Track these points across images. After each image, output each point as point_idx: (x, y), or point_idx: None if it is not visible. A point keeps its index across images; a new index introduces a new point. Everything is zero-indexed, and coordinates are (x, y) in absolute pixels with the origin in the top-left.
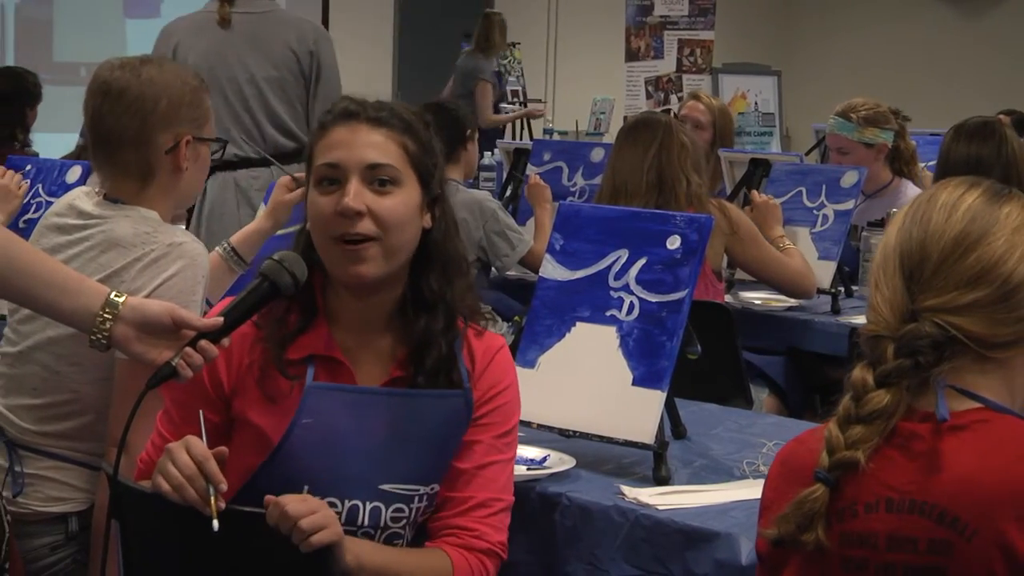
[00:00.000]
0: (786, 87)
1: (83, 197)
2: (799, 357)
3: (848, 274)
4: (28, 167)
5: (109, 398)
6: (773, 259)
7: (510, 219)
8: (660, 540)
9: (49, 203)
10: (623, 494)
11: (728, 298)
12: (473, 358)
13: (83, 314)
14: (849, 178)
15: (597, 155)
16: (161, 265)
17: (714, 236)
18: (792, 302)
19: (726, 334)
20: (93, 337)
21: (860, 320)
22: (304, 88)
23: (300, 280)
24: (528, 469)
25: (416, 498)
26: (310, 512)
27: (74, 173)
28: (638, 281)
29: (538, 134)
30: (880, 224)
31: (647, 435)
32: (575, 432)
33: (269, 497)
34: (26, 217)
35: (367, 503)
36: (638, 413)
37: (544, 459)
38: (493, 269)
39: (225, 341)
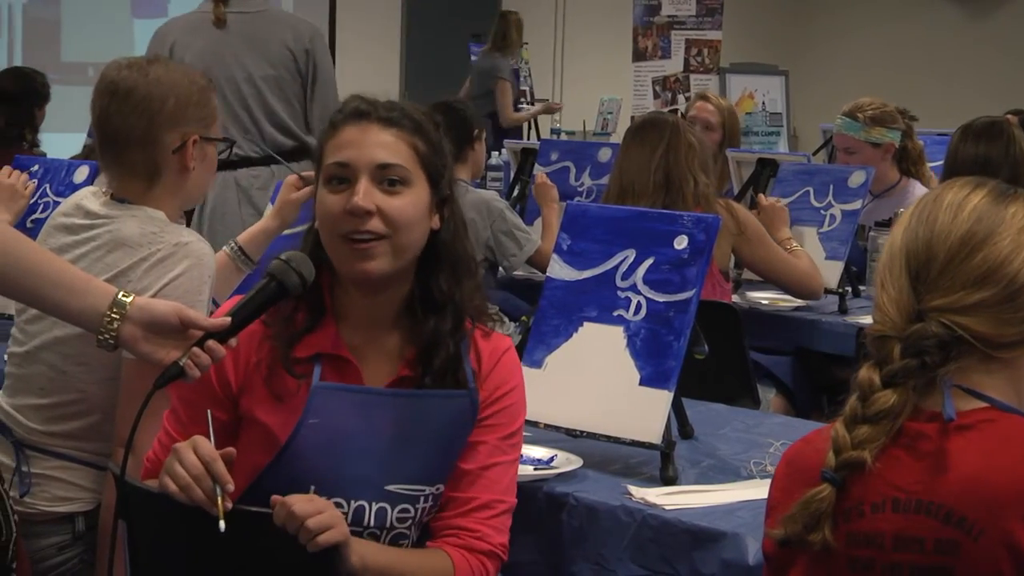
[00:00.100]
0: (793, 87)
1: (90, 197)
2: (806, 357)
3: (855, 274)
4: (35, 167)
5: (116, 398)
6: (780, 259)
7: (517, 219)
8: (667, 540)
9: (56, 203)
10: (630, 494)
11: (735, 298)
12: (480, 359)
13: (90, 314)
14: (856, 178)
15: (604, 155)
16: (167, 265)
17: (721, 236)
18: (799, 302)
19: (733, 334)
20: (100, 337)
21: (867, 320)
22: (301, 86)
23: (308, 280)
24: (535, 469)
25: (422, 498)
26: (317, 512)
27: (81, 173)
28: (645, 281)
29: (545, 134)
30: (887, 224)
31: (654, 435)
32: (582, 432)
33: (276, 497)
34: (33, 217)
35: (373, 504)
36: (645, 413)
37: (551, 459)
38: (500, 269)
39: (232, 341)
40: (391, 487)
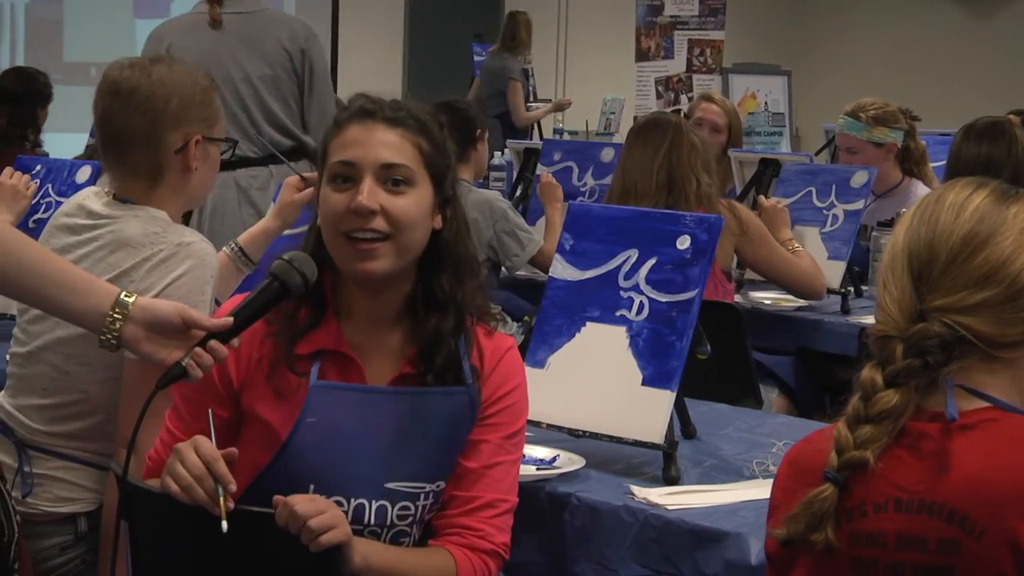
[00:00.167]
0: (796, 87)
1: (92, 197)
2: (809, 357)
3: (858, 274)
4: (38, 167)
5: (118, 398)
6: (783, 259)
7: (520, 219)
8: (670, 540)
9: (59, 203)
10: (633, 494)
11: (738, 298)
12: (482, 357)
13: (93, 314)
14: (859, 178)
15: (607, 155)
16: (170, 265)
17: (724, 236)
18: (802, 302)
19: (736, 334)
20: (103, 337)
21: (870, 320)
22: (297, 86)
23: (310, 280)
24: (538, 469)
25: (422, 496)
26: (319, 512)
27: (84, 173)
28: (648, 281)
29: (548, 134)
30: (890, 224)
31: (657, 435)
32: (585, 432)
33: (278, 497)
34: (36, 217)
35: (373, 502)
36: (648, 413)
37: (554, 459)
38: (503, 269)
39: (235, 341)
40: (391, 485)
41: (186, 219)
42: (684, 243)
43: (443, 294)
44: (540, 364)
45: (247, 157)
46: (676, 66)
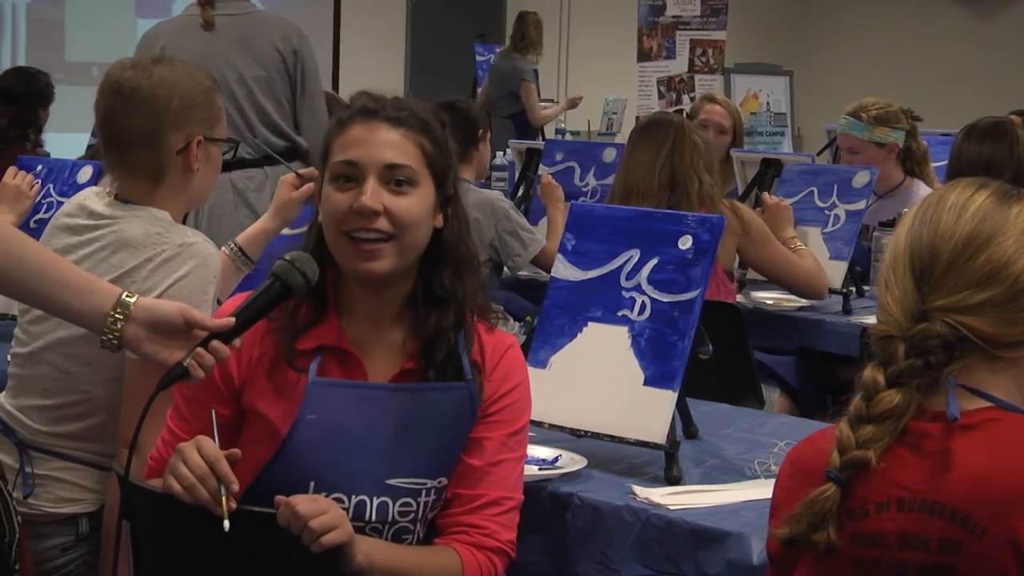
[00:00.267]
0: (798, 87)
1: (94, 197)
2: (810, 357)
3: (859, 274)
4: (39, 167)
5: (120, 399)
6: (785, 259)
7: (522, 219)
8: (671, 540)
9: (60, 203)
10: (634, 494)
11: (740, 298)
12: (483, 353)
13: (94, 314)
14: (861, 178)
15: (609, 155)
16: (172, 265)
17: (726, 236)
18: (803, 302)
19: (738, 334)
20: (104, 337)
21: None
22: (289, 86)
23: (312, 280)
24: (540, 469)
25: (423, 492)
26: (320, 512)
27: (85, 173)
28: (650, 281)
29: (550, 134)
30: (891, 224)
31: (658, 435)
32: (587, 432)
33: (280, 497)
34: (37, 217)
35: (374, 498)
36: (650, 413)
37: (556, 459)
38: (505, 269)
39: (237, 342)
40: (392, 481)
41: (183, 222)
42: (686, 243)
43: (443, 291)
44: (542, 364)
45: (242, 158)
46: (678, 66)
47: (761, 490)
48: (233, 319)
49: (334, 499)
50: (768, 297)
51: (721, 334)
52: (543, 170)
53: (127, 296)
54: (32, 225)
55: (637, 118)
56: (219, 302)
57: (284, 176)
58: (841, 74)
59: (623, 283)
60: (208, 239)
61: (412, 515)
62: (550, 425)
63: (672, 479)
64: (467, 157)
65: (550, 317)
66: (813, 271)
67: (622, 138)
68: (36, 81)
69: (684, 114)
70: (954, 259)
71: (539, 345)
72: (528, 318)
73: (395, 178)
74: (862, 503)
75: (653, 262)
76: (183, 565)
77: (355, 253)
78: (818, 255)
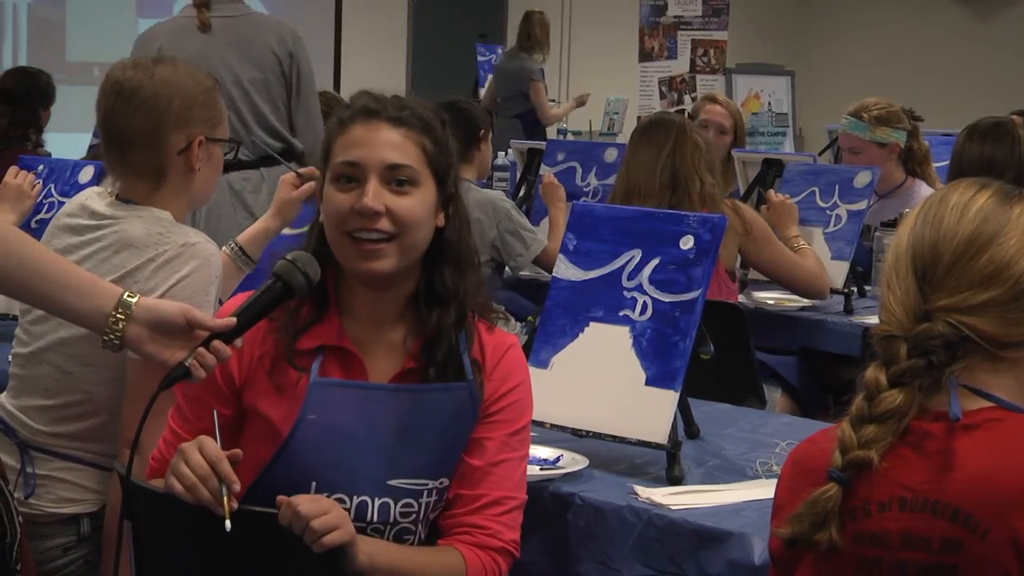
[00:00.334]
0: (799, 87)
1: (95, 197)
2: (812, 357)
3: (861, 274)
4: (41, 167)
5: (121, 399)
6: (786, 260)
7: (524, 219)
8: (673, 540)
9: (61, 203)
10: (636, 494)
11: (741, 298)
12: (484, 351)
13: (96, 315)
14: (862, 178)
15: (611, 155)
16: (174, 265)
17: (727, 236)
18: (805, 302)
19: (739, 334)
20: (106, 338)
21: (873, 320)
22: (284, 88)
23: (313, 280)
24: (541, 469)
25: (425, 492)
26: (322, 512)
27: (87, 173)
28: (651, 281)
29: (552, 134)
30: (893, 224)
31: (660, 435)
32: (588, 432)
33: (281, 498)
34: (38, 217)
35: (376, 499)
36: (651, 413)
37: (557, 459)
38: (507, 269)
39: (238, 342)
40: (393, 482)
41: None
42: (687, 243)
43: (445, 289)
44: (544, 364)
45: (239, 160)
46: (680, 66)
47: (763, 490)
48: (234, 319)
49: (336, 499)
50: (770, 297)
51: (723, 334)
52: (545, 170)
53: (129, 296)
54: (33, 225)
55: (638, 118)
56: (220, 302)
57: (284, 176)
58: (842, 74)
59: (624, 283)
60: (210, 239)
61: (414, 516)
62: (552, 425)
63: (674, 479)
64: (468, 157)
65: (552, 317)
66: (815, 271)
67: (623, 138)
68: (37, 81)
69: (686, 114)
70: (956, 259)
71: (540, 345)
72: (530, 318)
73: (397, 178)
74: (864, 503)
75: (655, 262)
76: (184, 565)
77: (357, 253)
78: (820, 255)
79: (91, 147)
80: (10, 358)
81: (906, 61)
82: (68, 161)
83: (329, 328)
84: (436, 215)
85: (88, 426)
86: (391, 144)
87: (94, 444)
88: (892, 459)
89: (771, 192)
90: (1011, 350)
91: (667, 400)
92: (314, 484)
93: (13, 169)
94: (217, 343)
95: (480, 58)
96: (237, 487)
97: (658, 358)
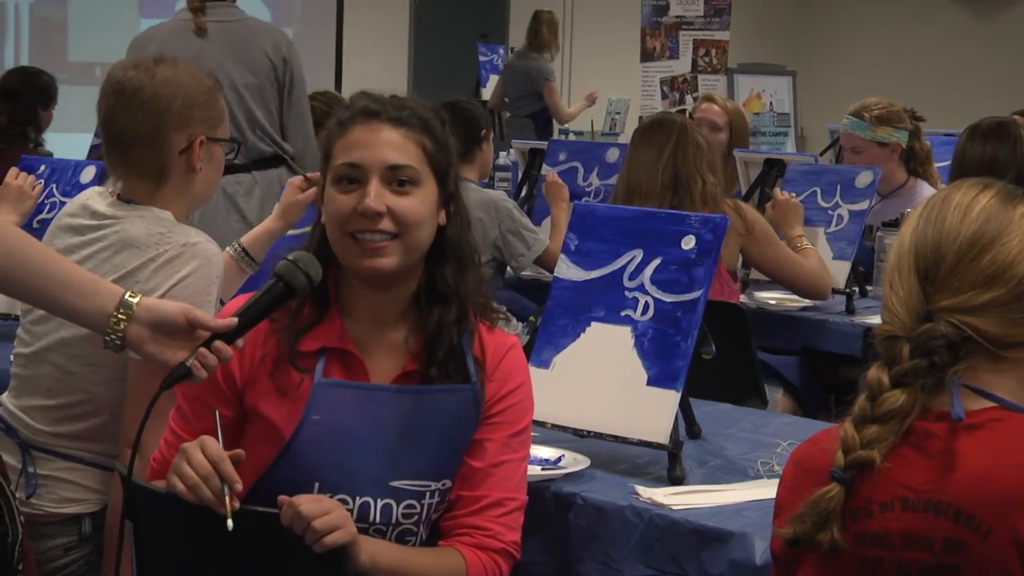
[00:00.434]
0: (801, 87)
1: (96, 197)
2: (813, 357)
3: (862, 274)
4: (42, 167)
5: (123, 399)
6: (788, 260)
7: (525, 218)
8: (674, 540)
9: (63, 203)
10: (637, 494)
11: (743, 298)
12: (484, 350)
13: (97, 315)
14: (864, 178)
15: (612, 155)
16: (175, 265)
17: (729, 236)
18: (807, 302)
19: (741, 334)
20: (107, 338)
21: (874, 320)
22: (277, 93)
23: (315, 281)
24: (543, 469)
25: (427, 494)
26: (324, 512)
27: (88, 173)
28: (653, 281)
29: (554, 134)
30: (895, 224)
31: (661, 435)
32: (590, 432)
33: (283, 497)
34: (40, 217)
35: (378, 500)
36: (653, 413)
37: (559, 459)
38: (508, 269)
39: (240, 342)
40: (396, 483)
41: None
42: (689, 243)
43: (446, 286)
44: (545, 364)
45: (232, 163)
46: (681, 66)
47: (764, 490)
48: (236, 319)
49: (338, 500)
50: (771, 297)
51: (724, 334)
52: (546, 170)
53: (130, 296)
54: (35, 225)
55: (640, 118)
56: (222, 302)
57: (291, 179)
58: (844, 74)
59: (626, 283)
60: (211, 239)
61: (416, 517)
62: (553, 425)
63: (675, 479)
64: (470, 157)
65: (553, 317)
66: (816, 271)
67: (625, 138)
68: (38, 80)
69: (687, 114)
70: (959, 259)
71: (542, 345)
72: (531, 318)
73: (398, 178)
74: (866, 503)
75: (656, 262)
76: (186, 565)
77: (360, 251)
78: (821, 255)
79: (93, 147)
80: (12, 358)
81: (907, 61)
82: (70, 161)
83: (330, 329)
84: (438, 213)
85: (89, 426)
86: (391, 144)
87: (95, 444)
88: (894, 459)
89: (777, 191)
90: (1013, 350)
91: (668, 400)
92: (317, 485)
93: (14, 170)
94: (218, 343)
95: (482, 58)
96: (239, 487)
97: (660, 358)
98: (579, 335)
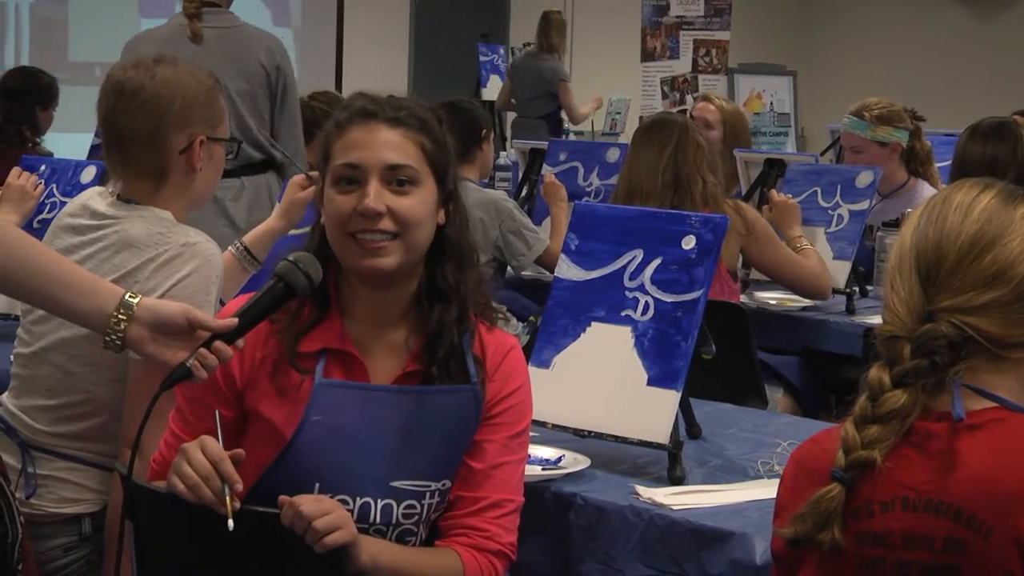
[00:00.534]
0: (801, 87)
1: (96, 197)
2: (814, 357)
3: (863, 274)
4: (43, 167)
5: (123, 399)
6: (788, 260)
7: (526, 218)
8: (675, 540)
9: (63, 203)
10: (638, 494)
11: (743, 298)
12: (484, 350)
13: (97, 315)
14: (864, 178)
15: (613, 155)
16: (175, 265)
17: (729, 236)
18: (807, 302)
19: (741, 334)
20: (107, 338)
21: (875, 320)
22: (269, 99)
23: (315, 281)
24: (543, 469)
25: (428, 494)
26: (324, 512)
27: (89, 173)
28: (653, 281)
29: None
30: (895, 224)
31: (662, 435)
32: (590, 432)
33: (283, 497)
34: (40, 217)
35: (379, 500)
36: (653, 413)
37: (559, 459)
38: (509, 269)
39: (240, 342)
40: (396, 483)
41: None
42: (689, 243)
43: (446, 285)
44: (545, 364)
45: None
46: (682, 66)
47: (765, 490)
48: (236, 319)
49: (339, 500)
50: (771, 297)
51: (724, 334)
52: (547, 170)
53: (130, 296)
54: (35, 225)
55: (641, 118)
56: (222, 302)
57: (294, 177)
58: (844, 74)
59: (626, 283)
60: (211, 239)
61: (416, 517)
62: (553, 425)
63: (675, 479)
64: (470, 157)
65: (553, 317)
66: (817, 271)
67: (626, 138)
68: (37, 80)
69: (687, 114)
70: (960, 259)
71: (542, 345)
72: (531, 318)
73: (397, 178)
74: (867, 503)
75: (656, 262)
76: (186, 565)
77: (360, 251)
78: (822, 255)
79: (93, 147)
80: (12, 358)
81: (908, 61)
82: (70, 161)
83: (331, 330)
84: (437, 213)
85: (89, 426)
86: (390, 144)
87: (95, 444)
88: (895, 459)
89: (773, 192)
90: (1014, 350)
91: (669, 400)
92: (317, 485)
93: (17, 170)
94: (219, 343)
95: (482, 58)
96: (240, 487)
97: (660, 358)
98: (579, 335)
